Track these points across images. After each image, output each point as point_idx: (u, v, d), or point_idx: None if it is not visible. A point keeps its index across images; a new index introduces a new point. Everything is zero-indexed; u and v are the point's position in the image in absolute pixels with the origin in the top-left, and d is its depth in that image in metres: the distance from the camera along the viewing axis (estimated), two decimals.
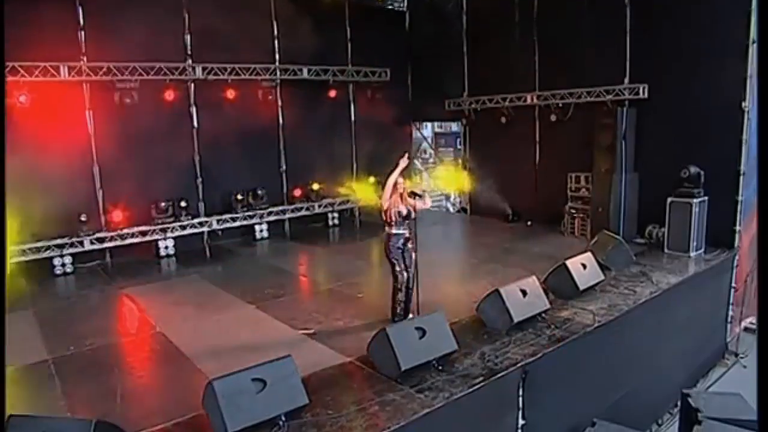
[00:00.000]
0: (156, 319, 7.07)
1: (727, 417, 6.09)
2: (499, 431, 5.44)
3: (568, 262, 7.19)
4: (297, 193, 12.51)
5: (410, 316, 6.45)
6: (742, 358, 9.42)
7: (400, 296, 6.59)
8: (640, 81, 10.02)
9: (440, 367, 5.33)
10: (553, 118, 11.45)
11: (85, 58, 9.62)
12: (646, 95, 9.98)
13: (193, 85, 10.86)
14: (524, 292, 6.34)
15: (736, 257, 9.20)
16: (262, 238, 11.83)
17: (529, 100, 11.96)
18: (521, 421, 5.53)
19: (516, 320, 6.09)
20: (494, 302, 6.21)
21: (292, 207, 12.36)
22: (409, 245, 6.56)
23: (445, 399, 4.81)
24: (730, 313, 9.38)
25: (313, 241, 11.58)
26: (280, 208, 12.21)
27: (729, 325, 9.44)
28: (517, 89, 12.15)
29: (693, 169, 8.98)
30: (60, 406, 4.87)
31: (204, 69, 10.73)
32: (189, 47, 10.74)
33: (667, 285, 7.59)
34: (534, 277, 6.65)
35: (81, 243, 9.59)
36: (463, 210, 15.29)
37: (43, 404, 4.91)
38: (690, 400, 6.48)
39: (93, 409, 4.78)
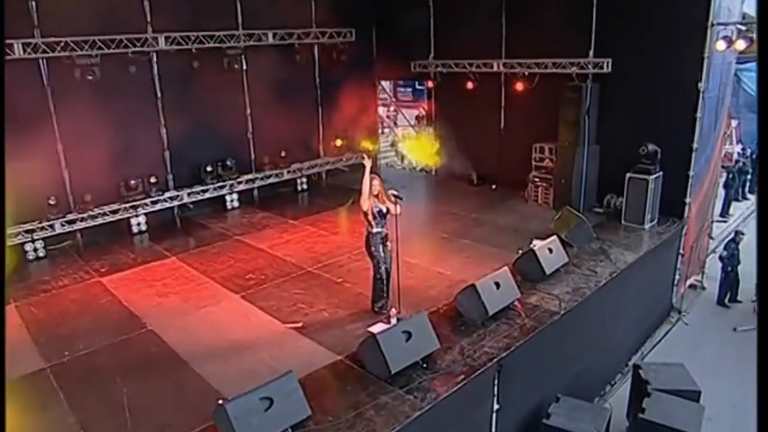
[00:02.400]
0: (144, 314, 7.24)
1: (671, 388, 6.93)
2: (476, 417, 6.04)
3: (536, 249, 7.68)
4: (266, 160, 12.50)
5: (393, 312, 6.83)
6: (684, 315, 10.40)
7: (380, 286, 6.99)
8: (604, 56, 10.29)
9: (425, 365, 5.81)
10: (519, 86, 11.64)
11: (38, 32, 9.14)
12: (609, 69, 10.28)
13: (155, 55, 10.48)
14: (498, 284, 6.81)
15: (685, 227, 9.95)
16: (233, 208, 11.92)
17: (495, 67, 12.08)
18: (496, 406, 6.14)
19: (491, 313, 6.59)
20: (471, 296, 6.67)
21: (262, 175, 12.39)
22: (388, 241, 6.91)
23: (433, 400, 5.31)
24: (677, 276, 10.24)
25: (284, 211, 11.70)
26: (250, 176, 12.24)
27: (675, 288, 10.32)
28: (483, 55, 12.22)
29: (651, 147, 9.50)
30: (71, 423, 5.12)
31: (167, 39, 10.33)
32: (149, 16, 10.27)
33: (625, 264, 8.24)
34: (507, 269, 7.12)
35: (51, 226, 9.49)
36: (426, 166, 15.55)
37: (54, 422, 5.15)
38: (641, 372, 7.31)
39: (104, 425, 5.07)
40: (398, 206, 6.65)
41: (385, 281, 6.99)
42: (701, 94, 9.26)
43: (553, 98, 10.84)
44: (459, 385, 5.53)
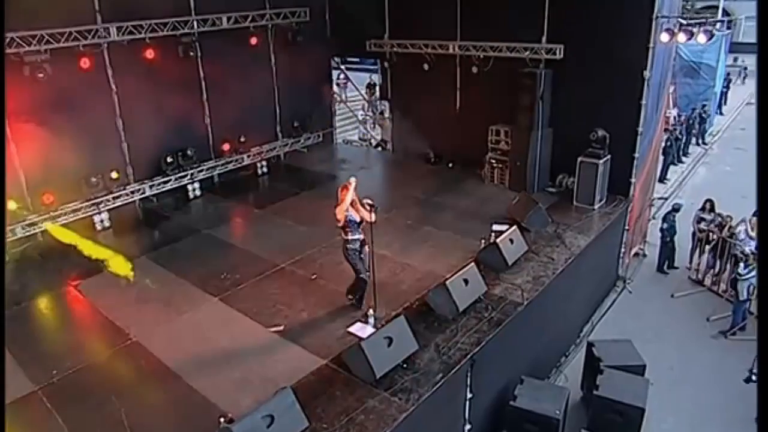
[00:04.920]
0: (125, 324, 7.31)
1: (620, 364, 7.73)
2: (451, 408, 6.61)
3: (499, 241, 8.20)
4: (226, 147, 12.46)
5: (370, 312, 7.24)
6: (629, 283, 11.34)
7: (362, 286, 7.38)
8: (556, 42, 10.68)
9: (405, 366, 6.29)
10: (474, 69, 11.92)
11: None
12: (561, 55, 10.69)
13: (107, 46, 10.13)
14: (466, 281, 7.31)
15: (630, 205, 10.72)
16: (196, 197, 11.87)
17: (450, 49, 12.26)
18: (469, 395, 6.74)
19: (461, 309, 7.11)
20: (442, 294, 7.15)
21: (222, 162, 12.36)
22: (365, 247, 7.24)
23: (416, 401, 5.82)
24: (623, 249, 11.09)
25: (247, 199, 11.78)
26: (211, 164, 12.19)
27: (621, 259, 11.19)
28: (439, 36, 12.36)
29: (600, 132, 10.12)
30: None
31: (119, 29, 9.99)
32: (97, 4, 9.87)
33: (578, 248, 8.91)
34: (474, 265, 7.61)
35: (12, 231, 9.28)
36: (383, 142, 15.80)
37: None
38: (594, 350, 8.09)
39: None
40: (373, 214, 6.95)
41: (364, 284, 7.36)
42: (646, 82, 9.84)
43: (507, 81, 11.21)
44: (438, 384, 6.06)
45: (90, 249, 9.20)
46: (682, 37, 9.26)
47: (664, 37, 9.34)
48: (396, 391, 5.94)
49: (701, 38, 9.16)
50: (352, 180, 7.00)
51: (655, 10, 9.35)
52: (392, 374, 6.13)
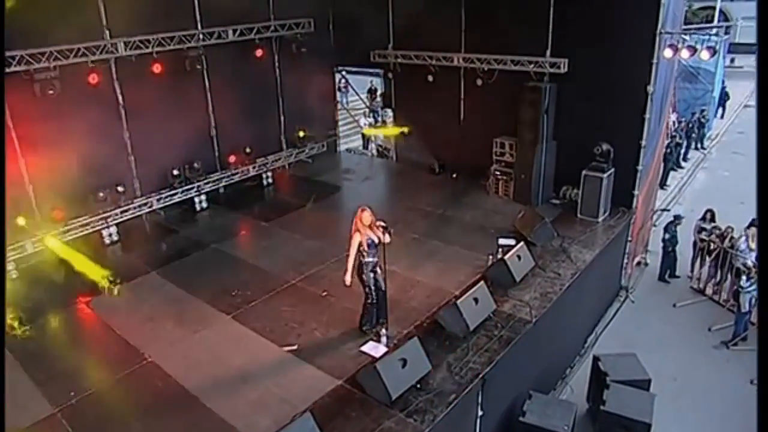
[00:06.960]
0: (140, 343, 7.39)
1: (626, 378, 7.87)
2: (463, 426, 6.74)
3: (507, 258, 8.32)
4: (232, 159, 12.54)
5: (383, 332, 7.35)
6: (631, 292, 11.48)
7: (372, 310, 7.47)
8: (560, 56, 10.78)
9: (419, 386, 6.41)
10: (479, 82, 12.02)
11: None
12: (565, 69, 10.79)
13: (114, 61, 10.19)
14: (476, 300, 7.42)
15: (633, 216, 10.85)
16: (202, 209, 11.94)
17: (455, 61, 12.36)
18: (480, 413, 6.87)
19: (472, 327, 7.23)
20: (453, 313, 7.26)
21: (229, 174, 12.44)
22: (378, 269, 7.34)
23: (431, 422, 5.94)
24: (626, 260, 11.23)
25: (252, 211, 11.82)
26: (217, 176, 12.27)
27: (624, 270, 11.33)
28: (443, 48, 12.45)
29: (605, 146, 10.24)
30: None
31: (126, 44, 10.06)
32: (105, 19, 9.92)
33: (584, 263, 9.04)
34: (483, 284, 7.73)
35: (23, 247, 9.35)
36: (387, 151, 15.88)
37: None
38: (600, 364, 8.22)
39: None
40: (387, 236, 7.06)
41: (377, 305, 7.45)
42: (649, 97, 9.96)
43: (512, 93, 11.31)
44: (452, 405, 6.18)
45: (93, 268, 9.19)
46: (685, 53, 9.38)
47: (668, 52, 9.46)
48: (411, 412, 6.05)
49: (704, 55, 9.29)
50: (367, 214, 7.08)
51: (659, 26, 9.46)
52: (407, 395, 6.24)
